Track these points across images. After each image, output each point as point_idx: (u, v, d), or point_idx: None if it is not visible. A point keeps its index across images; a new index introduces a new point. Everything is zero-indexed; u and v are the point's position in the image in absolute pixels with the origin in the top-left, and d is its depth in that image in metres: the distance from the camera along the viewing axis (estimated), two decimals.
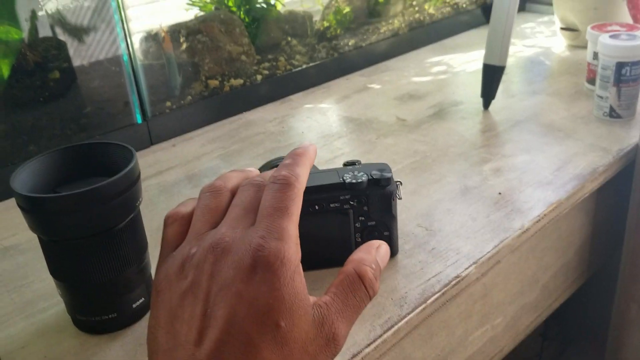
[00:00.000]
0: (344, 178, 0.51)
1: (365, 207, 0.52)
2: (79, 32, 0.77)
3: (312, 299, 0.34)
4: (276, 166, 0.58)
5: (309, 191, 0.52)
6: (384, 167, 0.53)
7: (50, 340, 0.48)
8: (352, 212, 0.52)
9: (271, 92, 0.96)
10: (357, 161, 0.55)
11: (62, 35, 0.75)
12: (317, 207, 0.52)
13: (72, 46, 0.76)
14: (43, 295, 0.54)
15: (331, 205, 0.51)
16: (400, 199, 0.53)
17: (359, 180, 0.51)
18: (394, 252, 0.55)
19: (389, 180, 0.51)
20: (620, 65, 0.75)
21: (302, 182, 0.35)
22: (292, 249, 0.33)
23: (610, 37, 0.77)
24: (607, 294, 0.85)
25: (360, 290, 0.35)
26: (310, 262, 0.54)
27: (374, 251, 0.36)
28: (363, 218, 0.52)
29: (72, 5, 0.77)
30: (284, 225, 0.33)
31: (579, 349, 1.26)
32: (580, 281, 0.80)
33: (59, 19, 0.75)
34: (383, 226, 0.53)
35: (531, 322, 0.72)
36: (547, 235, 0.68)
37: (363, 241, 0.53)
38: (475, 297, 0.60)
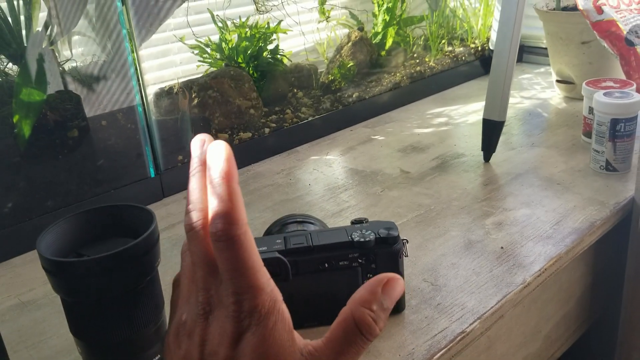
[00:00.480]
0: (352, 237, 0.54)
1: (373, 265, 0.54)
2: (96, 88, 0.80)
3: (303, 342, 0.33)
4: (288, 223, 0.60)
5: (318, 249, 0.54)
6: (391, 226, 0.55)
7: None
8: (360, 270, 0.54)
9: (278, 144, 1.00)
10: (365, 219, 0.57)
11: (80, 91, 0.79)
12: (326, 265, 0.54)
13: (89, 103, 0.79)
14: (61, 352, 0.55)
15: (340, 263, 0.54)
16: (407, 256, 0.56)
17: (367, 239, 0.53)
18: (401, 308, 0.57)
19: (396, 239, 0.54)
20: (614, 122, 0.78)
21: (242, 223, 0.32)
22: (266, 301, 0.33)
23: (605, 94, 0.80)
24: (609, 342, 0.86)
25: (356, 336, 0.33)
26: (319, 318, 0.56)
27: (379, 289, 0.34)
28: (371, 275, 0.55)
29: (91, 63, 0.80)
30: (250, 283, 0.32)
31: None
32: (582, 330, 0.81)
33: (78, 78, 0.79)
34: None
35: None
36: (548, 287, 0.70)
37: None
38: (479, 350, 0.62)
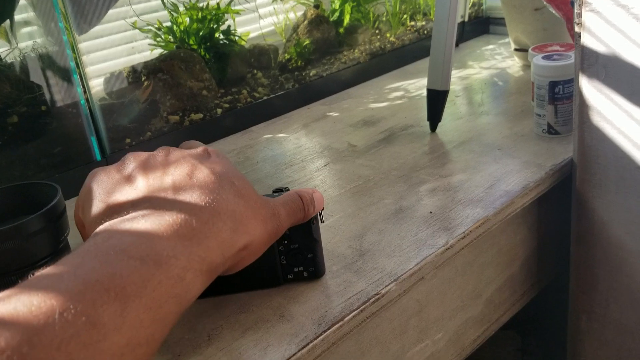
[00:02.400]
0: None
1: (288, 231, 0.55)
2: (38, 78, 0.81)
3: None
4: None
5: None
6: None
7: None
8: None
9: (233, 124, 1.00)
10: (286, 188, 0.57)
11: (21, 82, 0.80)
12: None
13: (30, 91, 0.80)
14: None
15: None
16: (322, 222, 0.56)
17: None
18: (319, 273, 0.57)
19: None
20: (553, 84, 0.78)
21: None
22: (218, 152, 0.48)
23: (543, 57, 0.80)
24: (564, 307, 0.87)
25: (298, 202, 0.50)
26: (239, 284, 0.57)
27: (311, 191, 0.52)
28: (286, 242, 0.55)
29: (32, 53, 0.81)
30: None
31: None
32: (531, 294, 0.82)
33: (20, 68, 0.80)
34: (306, 249, 0.56)
35: (478, 336, 0.74)
36: (484, 250, 0.70)
37: (288, 263, 0.56)
38: (409, 313, 0.62)
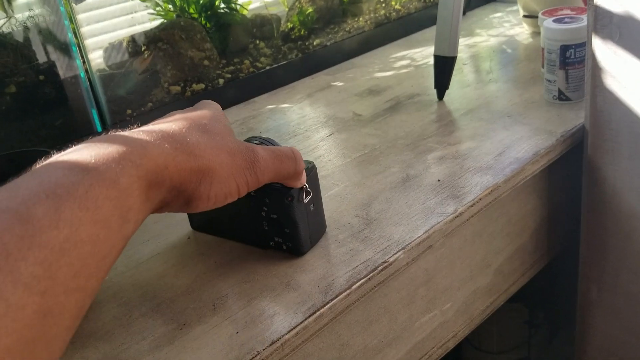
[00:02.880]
0: None
1: (267, 199, 0.53)
2: (36, 48, 0.79)
3: None
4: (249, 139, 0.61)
5: None
6: (307, 166, 0.53)
7: None
8: (253, 202, 0.54)
9: (235, 95, 0.98)
10: (268, 139, 0.55)
11: (19, 52, 0.78)
12: None
13: (28, 61, 0.78)
14: None
15: None
16: (301, 201, 0.53)
17: None
18: (297, 251, 0.55)
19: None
20: (564, 48, 0.76)
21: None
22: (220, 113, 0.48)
23: (554, 21, 0.78)
24: (574, 277, 0.85)
25: (288, 153, 0.48)
26: (230, 232, 0.59)
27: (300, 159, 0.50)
28: (266, 209, 0.54)
29: (30, 23, 0.79)
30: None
31: (569, 334, 1.25)
32: (540, 264, 0.80)
33: (17, 37, 0.78)
34: (285, 223, 0.54)
35: (487, 306, 0.73)
36: (493, 220, 0.69)
37: (270, 230, 0.55)
38: (417, 283, 0.61)
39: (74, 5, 0.81)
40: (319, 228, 0.57)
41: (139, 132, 0.39)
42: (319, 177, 0.56)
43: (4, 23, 0.79)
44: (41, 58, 0.79)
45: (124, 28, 0.94)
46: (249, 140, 0.54)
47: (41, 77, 0.78)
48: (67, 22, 0.80)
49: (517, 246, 0.75)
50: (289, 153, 0.48)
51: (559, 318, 1.24)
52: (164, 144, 0.38)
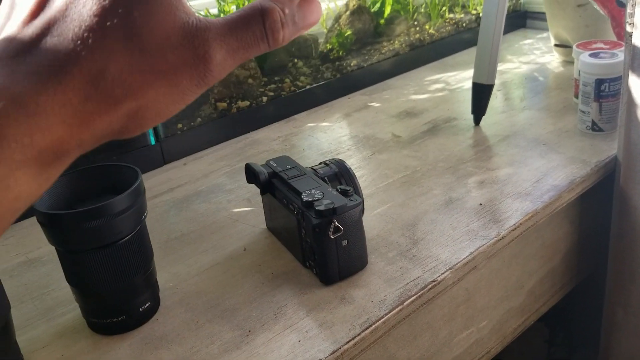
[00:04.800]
0: (305, 192, 0.57)
1: (303, 221, 0.57)
2: None
3: (193, 14, 0.28)
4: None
5: (289, 186, 0.60)
6: (343, 203, 0.55)
7: (67, 341, 0.55)
8: (297, 221, 0.58)
9: (276, 112, 1.03)
10: (350, 189, 0.58)
11: None
12: (285, 201, 0.60)
13: None
14: (62, 302, 0.60)
15: (290, 205, 0.59)
16: (332, 237, 0.55)
17: (304, 199, 0.56)
18: (324, 279, 0.58)
19: (320, 213, 0.54)
20: (599, 82, 0.80)
21: None
22: None
23: (590, 55, 0.81)
24: (598, 300, 0.89)
25: (256, 26, 0.29)
26: (285, 242, 0.64)
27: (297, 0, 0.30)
28: (303, 231, 0.58)
29: None
30: None
31: (585, 355, 1.28)
32: (569, 287, 0.84)
33: None
34: (315, 249, 0.57)
35: (518, 325, 0.76)
36: (529, 243, 0.72)
37: (307, 251, 0.59)
38: (458, 301, 0.65)
39: None
40: (352, 263, 0.58)
41: (15, 73, 0.23)
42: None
43: None
44: None
45: None
46: (322, 163, 0.61)
47: None
48: None
49: (548, 268, 0.78)
50: (255, 28, 0.28)
51: (578, 338, 1.27)
52: (67, 95, 0.24)
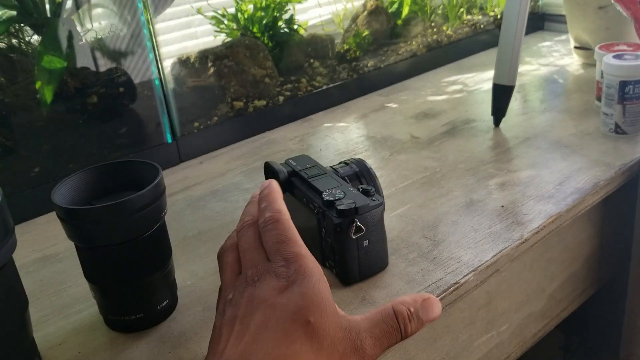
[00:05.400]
0: (326, 191, 0.56)
1: (324, 221, 0.56)
2: (115, 59, 0.84)
3: (343, 313, 0.40)
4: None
5: (309, 186, 0.58)
6: (365, 203, 0.54)
7: (84, 338, 0.54)
8: (317, 220, 0.57)
9: (293, 111, 1.02)
10: (372, 189, 0.57)
11: (100, 61, 0.83)
12: (304, 200, 0.58)
13: (109, 73, 0.83)
14: (79, 299, 0.60)
15: (310, 205, 0.57)
16: (353, 237, 0.54)
17: (325, 198, 0.55)
18: (343, 280, 0.57)
19: (342, 212, 0.53)
20: (623, 84, 0.78)
21: (285, 213, 0.43)
22: (311, 263, 0.40)
23: (614, 57, 0.80)
24: (619, 306, 0.87)
25: (391, 321, 0.40)
26: (304, 241, 0.61)
27: (420, 301, 0.41)
28: (324, 231, 0.57)
29: (110, 34, 0.84)
30: (294, 250, 0.41)
31: None
32: (590, 292, 0.82)
33: (97, 48, 0.83)
34: (335, 249, 0.56)
35: (539, 330, 0.75)
36: (551, 247, 0.71)
37: (327, 251, 0.58)
38: (479, 304, 0.64)
39: (157, 24, 0.85)
40: (373, 264, 0.57)
41: None
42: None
43: (85, 34, 0.83)
44: (120, 69, 0.84)
45: (183, 41, 0.98)
46: (342, 163, 0.59)
47: (121, 89, 0.83)
48: (146, 32, 0.84)
49: (570, 273, 0.77)
50: (392, 324, 0.40)
51: (594, 345, 1.25)
52: None
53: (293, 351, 0.36)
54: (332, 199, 0.55)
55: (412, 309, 0.40)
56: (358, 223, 0.54)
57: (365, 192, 0.56)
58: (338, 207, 0.54)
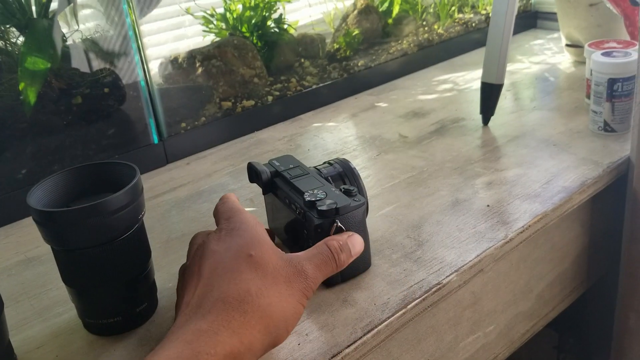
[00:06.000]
0: (308, 191, 0.56)
1: (305, 221, 0.55)
2: (100, 60, 0.83)
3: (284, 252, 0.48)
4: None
5: (291, 186, 0.58)
6: (346, 203, 0.53)
7: (63, 342, 0.53)
8: (299, 221, 0.56)
9: (282, 112, 1.01)
10: (354, 189, 0.56)
11: (85, 62, 0.82)
12: (287, 201, 0.58)
13: (93, 74, 0.82)
14: (59, 302, 0.59)
15: (292, 205, 0.57)
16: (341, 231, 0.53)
17: (306, 199, 0.54)
18: (328, 282, 0.56)
19: (323, 213, 0.53)
20: (612, 82, 0.78)
21: (229, 196, 0.54)
22: (247, 215, 0.50)
23: (603, 54, 0.79)
24: (610, 305, 0.86)
25: (326, 252, 0.49)
26: (289, 242, 0.62)
27: (346, 237, 0.51)
28: (306, 232, 0.56)
29: (95, 35, 0.83)
30: (232, 207, 0.51)
31: None
32: (579, 291, 0.82)
33: (83, 49, 0.82)
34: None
35: (527, 330, 0.74)
36: (538, 246, 0.70)
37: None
38: (464, 305, 0.63)
39: (138, 17, 0.85)
40: (355, 265, 0.54)
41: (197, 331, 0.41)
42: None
43: (70, 35, 0.83)
44: (105, 69, 0.83)
45: (174, 41, 0.98)
46: (326, 163, 0.60)
47: (106, 90, 0.82)
48: (131, 34, 0.83)
49: (558, 272, 0.76)
50: (327, 254, 0.49)
51: (588, 344, 1.24)
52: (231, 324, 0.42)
53: (241, 280, 0.44)
54: (313, 199, 0.54)
55: (341, 242, 0.50)
56: (339, 224, 0.53)
57: (347, 193, 0.56)
58: (319, 208, 0.53)
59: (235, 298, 0.43)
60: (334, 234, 0.53)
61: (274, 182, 0.61)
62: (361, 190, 0.61)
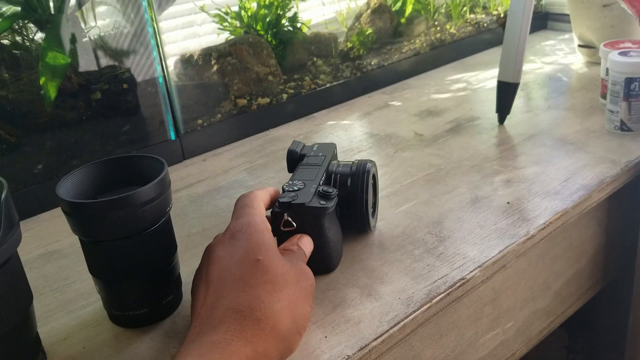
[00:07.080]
0: (295, 180, 0.58)
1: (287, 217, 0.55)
2: (118, 56, 0.84)
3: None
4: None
5: (295, 173, 0.60)
6: (303, 201, 0.54)
7: (89, 334, 0.54)
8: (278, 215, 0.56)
9: (296, 109, 1.02)
10: (334, 190, 0.57)
11: (103, 58, 0.82)
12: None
13: (113, 69, 0.82)
14: (83, 294, 0.59)
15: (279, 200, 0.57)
16: (282, 229, 0.54)
17: (282, 198, 0.55)
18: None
19: (279, 203, 0.54)
20: (629, 81, 0.78)
21: (250, 193, 0.54)
22: (257, 218, 0.49)
23: (620, 54, 0.80)
24: (626, 304, 0.87)
25: (291, 249, 0.52)
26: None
27: (296, 237, 0.53)
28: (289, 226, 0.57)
29: (113, 32, 0.84)
30: (245, 206, 0.51)
31: None
32: (595, 289, 0.82)
33: (101, 45, 0.82)
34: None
35: (544, 328, 0.75)
36: (557, 244, 0.71)
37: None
38: (484, 301, 0.63)
39: (157, 13, 0.85)
40: (312, 267, 0.51)
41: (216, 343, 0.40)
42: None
43: (89, 31, 0.83)
44: (124, 65, 0.83)
45: (189, 39, 0.98)
46: (350, 161, 0.61)
47: (125, 86, 0.82)
48: (150, 29, 0.84)
49: (575, 270, 0.76)
50: (288, 245, 0.52)
51: (598, 345, 1.24)
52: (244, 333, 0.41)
53: (250, 287, 0.43)
54: (289, 189, 0.56)
55: (295, 241, 0.53)
56: (287, 217, 0.54)
57: (323, 194, 0.56)
58: (279, 199, 0.55)
59: (246, 306, 0.42)
60: (283, 226, 0.54)
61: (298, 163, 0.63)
62: (351, 197, 0.60)
